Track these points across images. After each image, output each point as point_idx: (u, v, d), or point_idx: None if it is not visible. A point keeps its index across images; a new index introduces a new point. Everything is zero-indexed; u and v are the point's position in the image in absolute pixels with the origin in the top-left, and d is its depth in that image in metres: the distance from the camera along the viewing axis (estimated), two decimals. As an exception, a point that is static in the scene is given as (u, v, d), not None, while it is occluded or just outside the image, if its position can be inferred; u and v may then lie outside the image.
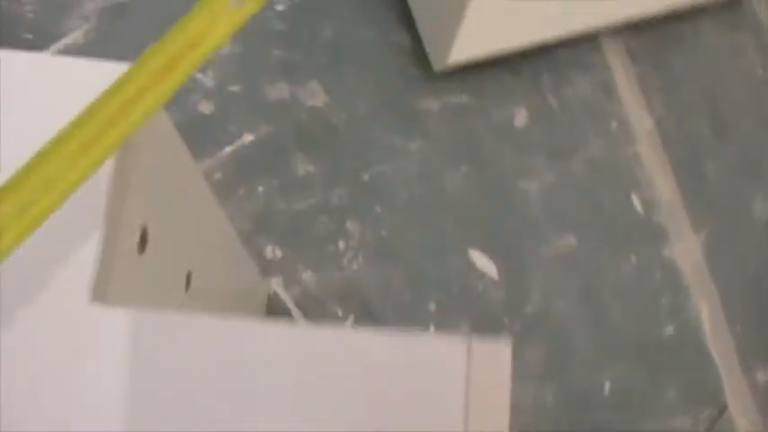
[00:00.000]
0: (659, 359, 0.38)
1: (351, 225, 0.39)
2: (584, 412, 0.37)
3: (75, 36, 0.41)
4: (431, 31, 0.40)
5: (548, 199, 0.40)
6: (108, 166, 0.13)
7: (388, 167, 0.40)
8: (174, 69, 0.12)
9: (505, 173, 0.41)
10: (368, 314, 0.38)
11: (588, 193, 0.41)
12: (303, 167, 0.40)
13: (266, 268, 0.38)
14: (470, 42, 0.38)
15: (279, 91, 0.41)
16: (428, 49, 0.41)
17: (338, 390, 0.12)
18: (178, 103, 0.40)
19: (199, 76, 0.41)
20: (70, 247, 0.12)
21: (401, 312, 0.38)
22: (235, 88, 0.41)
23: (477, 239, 0.39)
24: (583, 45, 0.43)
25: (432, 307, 0.38)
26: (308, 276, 0.38)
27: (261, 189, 0.39)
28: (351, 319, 0.38)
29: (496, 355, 0.12)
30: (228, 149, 0.40)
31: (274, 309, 0.37)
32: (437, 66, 0.41)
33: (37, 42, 0.41)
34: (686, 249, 0.40)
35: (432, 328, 0.38)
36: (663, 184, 0.42)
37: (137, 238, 0.14)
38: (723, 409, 0.37)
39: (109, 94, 0.12)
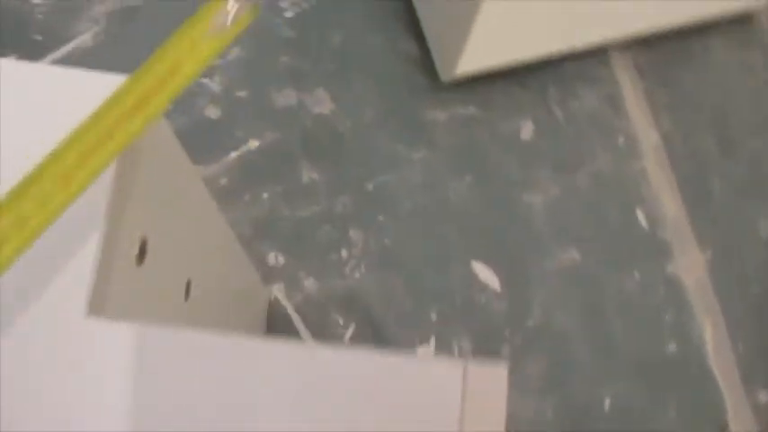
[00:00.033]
0: (661, 376, 0.38)
1: (354, 233, 0.39)
2: (584, 427, 0.37)
3: (84, 39, 0.41)
4: (439, 41, 0.41)
5: (552, 212, 0.40)
6: (107, 178, 0.13)
7: (392, 177, 0.40)
8: (155, 95, 0.12)
9: (510, 185, 0.41)
10: (369, 323, 0.38)
11: (593, 208, 0.41)
12: (308, 175, 0.40)
13: (268, 275, 0.38)
14: (478, 54, 0.38)
15: (286, 97, 0.41)
16: (436, 59, 0.41)
17: (334, 409, 0.12)
18: (184, 107, 0.40)
19: (206, 80, 0.41)
20: (68, 260, 0.12)
21: (402, 322, 0.38)
22: (242, 94, 0.41)
23: (480, 251, 0.39)
24: (591, 59, 0.43)
25: (433, 317, 0.38)
26: (309, 284, 0.38)
27: (265, 195, 0.39)
28: (352, 327, 0.38)
29: (493, 377, 0.11)
30: (234, 155, 0.40)
31: (275, 315, 0.37)
32: (444, 76, 0.41)
33: (46, 44, 0.41)
34: (691, 266, 0.40)
35: (432, 339, 0.37)
36: (668, 201, 0.41)
37: (136, 250, 0.14)
38: (724, 429, 0.37)
39: (94, 117, 0.12)
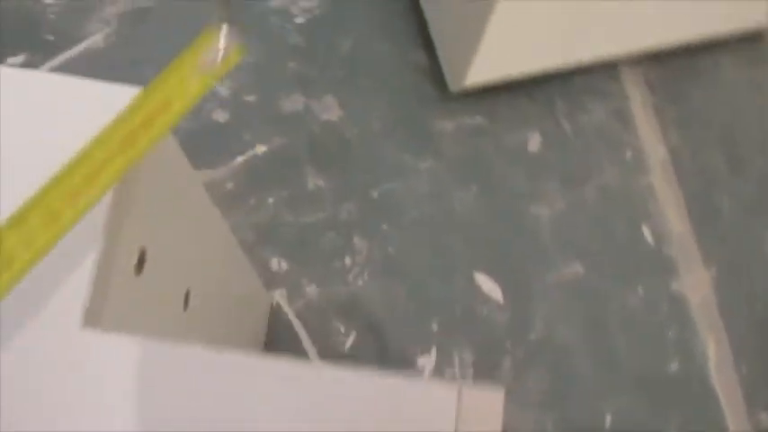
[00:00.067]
0: (663, 394, 0.38)
1: (358, 241, 0.39)
2: (583, 443, 0.37)
3: (95, 39, 0.42)
4: (448, 52, 0.40)
5: (558, 225, 0.40)
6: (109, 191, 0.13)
7: (398, 185, 0.40)
8: (143, 132, 0.12)
9: (516, 197, 0.40)
10: (370, 331, 0.37)
11: (599, 222, 0.40)
12: (313, 181, 0.40)
13: (271, 280, 0.38)
14: (487, 65, 0.38)
15: (294, 103, 0.41)
16: (445, 69, 0.41)
17: (331, 427, 0.12)
18: (193, 110, 0.40)
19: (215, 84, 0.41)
20: (67, 273, 0.12)
21: (404, 331, 0.38)
22: (250, 98, 0.41)
23: (484, 262, 0.39)
24: (600, 73, 0.43)
25: (435, 328, 0.38)
26: (312, 290, 0.38)
27: (270, 200, 0.39)
28: (353, 335, 0.37)
29: (488, 402, 0.11)
30: (241, 159, 0.40)
31: (276, 321, 0.37)
32: (453, 87, 0.40)
33: (58, 44, 0.41)
34: (696, 284, 0.40)
35: (434, 350, 0.37)
36: (675, 217, 0.41)
37: (134, 261, 0.14)
38: (725, 449, 0.37)
39: (81, 156, 0.12)
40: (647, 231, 0.41)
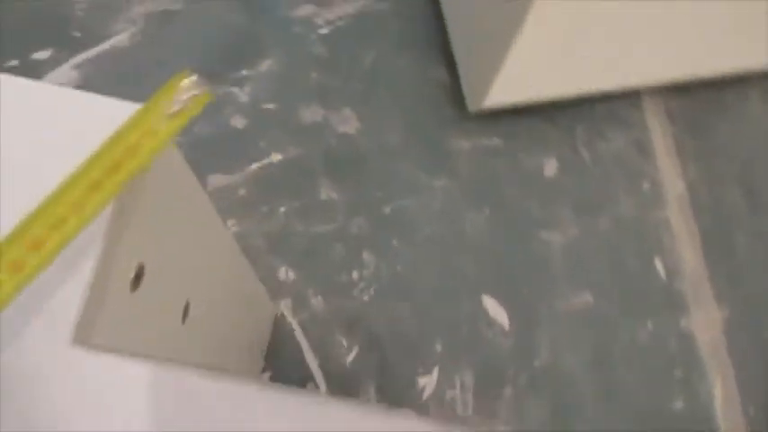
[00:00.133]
0: (665, 431, 0.37)
1: (367, 256, 0.39)
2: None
3: (120, 38, 0.42)
4: (470, 71, 0.40)
5: (569, 253, 0.40)
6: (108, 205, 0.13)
7: (411, 202, 0.40)
8: (108, 179, 0.13)
9: (529, 221, 0.40)
10: (373, 348, 0.37)
11: (611, 252, 0.40)
12: (326, 192, 0.40)
13: (277, 289, 0.38)
14: (508, 88, 0.38)
15: (312, 114, 0.41)
16: (465, 89, 0.41)
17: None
18: (211, 115, 0.41)
19: (235, 89, 0.42)
20: (62, 287, 0.12)
21: (407, 350, 0.37)
22: (269, 106, 0.41)
23: (492, 285, 0.39)
24: (622, 101, 0.43)
25: (438, 348, 0.38)
26: (317, 302, 0.38)
27: (282, 209, 0.39)
28: (355, 350, 0.37)
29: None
30: (255, 166, 0.40)
31: (280, 331, 0.37)
32: (472, 107, 0.40)
33: (83, 41, 0.42)
34: (706, 322, 0.39)
35: (435, 371, 0.37)
36: (689, 252, 0.41)
37: (131, 276, 0.14)
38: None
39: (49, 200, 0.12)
40: (659, 265, 0.40)
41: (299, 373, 0.36)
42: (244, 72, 0.42)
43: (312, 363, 0.37)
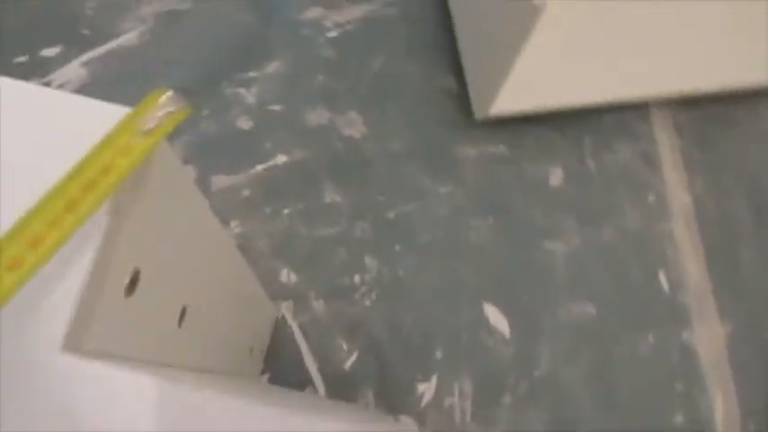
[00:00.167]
0: (665, 446, 0.37)
1: (369, 260, 0.39)
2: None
3: (129, 37, 0.42)
4: (477, 78, 0.40)
5: (572, 263, 0.39)
6: (103, 209, 0.13)
7: (415, 208, 0.40)
8: (83, 198, 0.13)
9: (533, 230, 0.40)
10: (373, 353, 0.37)
11: (614, 264, 0.40)
12: (331, 196, 0.40)
13: (279, 291, 0.38)
14: (515, 96, 0.38)
15: (318, 116, 0.41)
16: (472, 96, 0.41)
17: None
18: (217, 115, 0.41)
19: (242, 90, 0.42)
20: (53, 293, 0.12)
21: (407, 356, 0.37)
22: (275, 108, 0.41)
23: (493, 293, 0.39)
24: (630, 112, 0.42)
25: (438, 355, 0.37)
26: (318, 305, 0.38)
27: (286, 211, 0.39)
28: (355, 354, 0.37)
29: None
30: (260, 168, 0.40)
31: (280, 333, 0.37)
32: (479, 114, 0.40)
33: (92, 39, 0.42)
34: (708, 337, 0.39)
35: (434, 378, 0.37)
36: (693, 266, 0.40)
37: (126, 281, 0.14)
38: None
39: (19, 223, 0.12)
40: (663, 278, 0.40)
41: (298, 376, 0.36)
42: (251, 73, 0.42)
43: (311, 366, 0.37)
